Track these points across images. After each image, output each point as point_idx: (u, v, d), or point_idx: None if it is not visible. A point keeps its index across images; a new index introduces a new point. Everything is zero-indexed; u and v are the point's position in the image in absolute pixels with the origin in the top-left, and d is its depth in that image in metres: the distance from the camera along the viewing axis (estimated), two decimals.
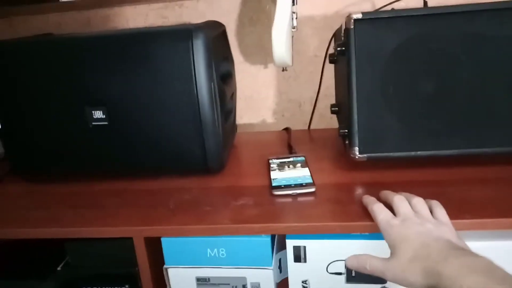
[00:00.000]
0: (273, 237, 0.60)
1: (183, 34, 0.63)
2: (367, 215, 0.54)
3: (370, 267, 0.48)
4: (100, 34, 0.68)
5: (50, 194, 0.69)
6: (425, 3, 0.73)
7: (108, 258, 0.63)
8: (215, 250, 0.59)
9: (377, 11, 0.75)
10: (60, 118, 0.67)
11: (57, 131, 0.68)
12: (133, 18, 0.97)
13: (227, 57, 0.81)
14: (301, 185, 0.62)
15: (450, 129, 0.63)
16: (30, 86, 0.66)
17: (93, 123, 0.66)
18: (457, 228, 0.49)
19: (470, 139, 0.62)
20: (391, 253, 0.47)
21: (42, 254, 0.69)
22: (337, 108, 0.80)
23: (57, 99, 0.66)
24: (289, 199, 0.61)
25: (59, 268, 0.64)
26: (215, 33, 0.70)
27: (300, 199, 0.61)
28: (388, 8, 0.76)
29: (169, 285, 0.62)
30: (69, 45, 0.66)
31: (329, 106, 0.81)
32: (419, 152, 0.64)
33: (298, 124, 1.00)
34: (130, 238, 0.58)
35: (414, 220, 0.48)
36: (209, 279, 0.60)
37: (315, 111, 0.96)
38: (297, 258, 0.58)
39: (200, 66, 0.63)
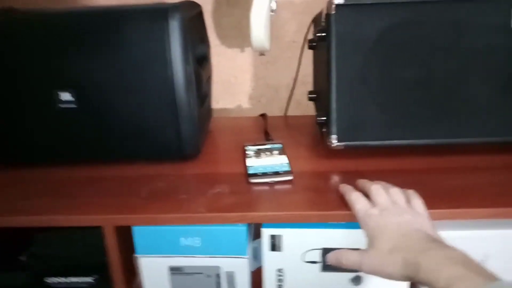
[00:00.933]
0: (249, 225, 0.59)
1: (158, 13, 0.60)
2: (344, 204, 0.54)
3: (346, 261, 0.48)
4: (68, 10, 0.64)
5: (16, 180, 0.65)
6: None
7: (77, 248, 0.61)
8: (190, 239, 0.57)
9: None
10: (26, 101, 0.63)
11: (22, 114, 0.64)
12: None
13: (203, 39, 0.78)
14: (278, 173, 0.61)
15: (429, 119, 0.63)
16: None
17: (60, 106, 0.62)
18: (434, 218, 0.50)
19: (449, 129, 0.63)
20: (369, 244, 0.47)
21: (7, 244, 0.66)
22: (314, 95, 0.79)
23: (22, 80, 0.62)
24: (266, 187, 0.60)
25: (22, 258, 0.61)
26: (191, 14, 0.67)
27: (277, 187, 0.60)
28: None
29: (141, 274, 0.60)
30: (33, 21, 0.61)
31: (306, 93, 0.80)
32: (397, 141, 0.64)
33: (275, 110, 0.98)
34: (100, 227, 0.56)
35: (393, 211, 0.48)
36: (182, 268, 0.59)
37: (292, 97, 0.95)
38: (273, 247, 0.58)
39: (176, 48, 0.60)
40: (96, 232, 0.56)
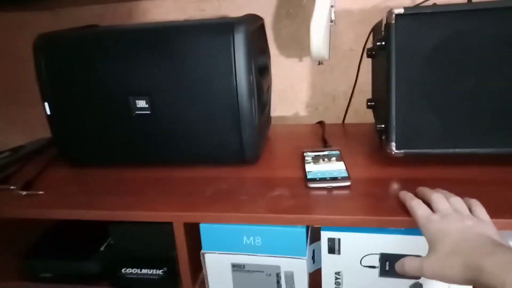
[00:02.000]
0: (307, 228, 0.62)
1: (224, 27, 0.64)
2: (403, 210, 0.54)
3: (409, 268, 0.48)
4: (144, 26, 0.70)
5: (94, 179, 0.73)
6: None
7: (148, 242, 0.66)
8: (251, 238, 0.61)
9: (418, 5, 0.74)
10: (105, 107, 0.70)
11: (102, 119, 0.71)
12: (172, 10, 0.99)
13: (265, 50, 0.82)
14: (336, 179, 0.63)
15: (489, 128, 0.62)
16: (76, 76, 0.70)
17: (136, 112, 0.69)
18: (498, 227, 0.49)
19: (509, 138, 0.61)
20: (429, 249, 0.47)
21: (86, 236, 0.73)
22: (373, 103, 0.79)
23: (102, 88, 0.69)
24: (324, 192, 0.62)
25: (102, 249, 0.67)
26: (254, 27, 0.71)
27: (335, 192, 0.62)
28: (430, 3, 0.75)
29: (206, 269, 0.64)
30: (114, 36, 0.69)
31: (363, 101, 0.81)
32: (456, 150, 0.63)
33: (331, 118, 1.00)
34: (170, 223, 0.61)
35: (454, 217, 0.48)
36: (244, 265, 0.62)
37: (350, 105, 0.96)
38: (331, 250, 0.59)
39: (240, 60, 0.64)
40: (166, 228, 0.61)
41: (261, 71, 0.75)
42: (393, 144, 0.65)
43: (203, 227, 0.62)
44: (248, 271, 0.63)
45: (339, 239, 0.59)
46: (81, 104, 0.71)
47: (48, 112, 0.72)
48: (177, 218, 0.60)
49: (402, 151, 0.65)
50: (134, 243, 0.67)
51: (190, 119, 0.68)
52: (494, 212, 0.51)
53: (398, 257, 0.57)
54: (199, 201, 0.62)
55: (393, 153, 0.65)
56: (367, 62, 0.89)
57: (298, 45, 0.96)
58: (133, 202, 0.63)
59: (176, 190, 0.66)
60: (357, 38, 0.93)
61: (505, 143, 0.62)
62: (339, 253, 0.59)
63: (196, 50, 0.65)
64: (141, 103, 0.68)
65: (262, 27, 0.80)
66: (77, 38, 0.69)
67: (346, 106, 0.96)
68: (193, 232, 0.63)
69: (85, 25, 0.80)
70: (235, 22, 0.64)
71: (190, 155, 0.71)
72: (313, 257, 0.64)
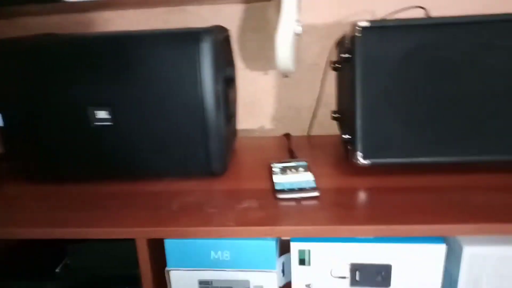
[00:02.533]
0: (277, 240, 0.60)
1: (190, 36, 0.63)
2: (371, 218, 0.54)
3: None
4: (105, 34, 0.68)
5: (52, 195, 0.68)
6: (427, 13, 0.75)
7: (109, 260, 0.62)
8: (219, 252, 0.58)
9: (382, 19, 0.76)
10: (63, 118, 0.66)
11: (59, 131, 0.67)
12: (136, 21, 0.97)
13: (230, 62, 0.81)
14: (304, 189, 0.63)
15: (452, 137, 0.64)
16: (31, 85, 0.66)
17: (95, 123, 0.65)
18: (460, 233, 0.50)
19: (472, 147, 0.64)
20: None
21: (43, 255, 0.68)
22: (338, 115, 0.80)
23: (60, 98, 0.66)
24: (293, 203, 0.61)
25: (57, 270, 0.63)
26: (221, 37, 0.70)
27: (304, 203, 0.61)
28: (392, 18, 0.77)
29: (171, 287, 0.61)
30: (72, 44, 0.66)
31: (327, 113, 0.82)
32: (421, 159, 0.65)
33: (296, 131, 1.00)
34: (132, 240, 0.57)
35: None
36: (211, 282, 0.60)
37: (314, 118, 0.97)
38: (302, 262, 0.58)
39: (207, 69, 0.63)
40: (128, 245, 0.58)
41: (227, 82, 0.74)
42: (360, 154, 0.65)
43: (168, 243, 0.59)
44: (216, 287, 0.60)
45: (309, 250, 0.58)
46: (36, 115, 0.67)
47: (1, 124, 0.67)
48: (140, 234, 0.57)
49: (369, 161, 0.66)
50: (93, 262, 0.63)
51: (155, 130, 0.66)
52: (456, 218, 0.53)
53: (367, 266, 0.57)
54: (164, 216, 0.59)
55: (359, 163, 0.66)
56: (331, 76, 0.91)
57: (264, 58, 0.96)
58: (93, 219, 0.59)
59: (139, 204, 0.63)
60: (322, 52, 0.95)
61: (466, 152, 0.64)
62: (309, 264, 0.58)
63: (161, 60, 0.63)
64: (102, 114, 0.65)
65: (228, 39, 0.80)
66: (32, 46, 0.66)
67: (310, 119, 0.97)
68: (157, 248, 0.60)
69: (42, 33, 0.76)
70: (201, 31, 0.64)
71: (155, 168, 0.68)
72: (283, 270, 0.63)
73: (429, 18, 0.68)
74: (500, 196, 0.59)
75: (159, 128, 0.66)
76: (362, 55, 0.63)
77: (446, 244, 0.56)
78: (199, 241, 0.58)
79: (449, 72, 0.62)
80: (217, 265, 0.59)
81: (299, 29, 0.78)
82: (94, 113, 0.65)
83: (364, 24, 0.62)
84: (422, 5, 0.78)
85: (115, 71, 0.64)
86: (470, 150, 0.64)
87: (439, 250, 0.56)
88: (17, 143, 0.69)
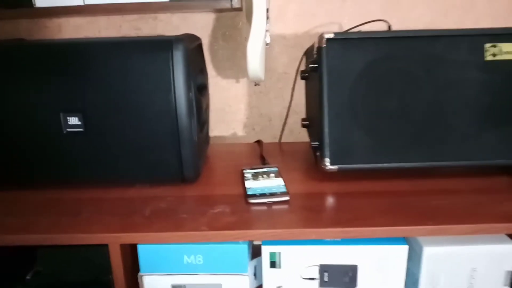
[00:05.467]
0: (249, 243, 0.62)
1: (163, 44, 0.64)
2: (339, 222, 0.57)
3: None
4: (78, 40, 0.68)
5: (22, 201, 0.67)
6: (389, 27, 0.79)
7: (81, 266, 0.62)
8: (192, 256, 0.59)
9: (347, 32, 0.80)
10: (34, 124, 0.66)
11: (30, 137, 0.66)
12: (106, 28, 0.97)
13: (203, 70, 0.83)
14: (275, 194, 0.65)
15: (412, 144, 0.68)
16: (3, 90, 0.65)
17: (68, 130, 0.65)
18: (421, 234, 0.54)
19: (430, 153, 0.68)
20: None
21: (10, 262, 0.67)
22: (308, 122, 0.83)
23: (29, 104, 0.65)
24: (264, 207, 0.63)
25: (28, 277, 0.62)
26: (193, 45, 0.72)
27: (275, 207, 0.63)
28: (356, 30, 0.81)
29: None
30: (43, 49, 0.65)
31: (298, 121, 0.85)
32: (385, 164, 0.68)
33: (268, 138, 1.03)
34: (104, 245, 0.57)
35: None
36: (185, 286, 0.61)
37: (284, 125, 1.00)
38: (273, 264, 0.60)
39: (179, 77, 0.65)
40: (100, 250, 0.58)
41: (199, 89, 0.76)
42: (327, 160, 0.68)
43: (141, 248, 0.59)
44: None
45: (279, 253, 0.60)
46: (8, 120, 0.66)
47: None
48: (113, 239, 0.57)
49: (336, 166, 0.69)
50: (64, 268, 0.62)
51: (127, 137, 0.66)
52: (417, 220, 0.56)
53: (335, 267, 0.60)
54: (137, 221, 0.60)
55: (327, 168, 0.68)
56: (300, 85, 0.94)
57: (235, 66, 0.99)
58: (65, 224, 0.59)
59: (112, 210, 0.63)
60: (291, 62, 0.98)
61: (425, 158, 0.68)
62: (280, 267, 0.60)
63: (134, 67, 0.64)
64: (74, 120, 0.65)
65: (200, 47, 0.82)
66: (3, 51, 0.65)
67: (282, 126, 1.00)
68: (130, 253, 0.60)
69: (10, 39, 0.76)
70: (174, 39, 0.65)
71: (127, 174, 0.69)
72: (254, 273, 0.64)
73: (388, 31, 0.73)
74: (456, 199, 0.64)
75: (131, 135, 0.66)
76: (327, 65, 0.66)
77: (408, 245, 0.60)
78: (172, 246, 0.59)
79: (407, 82, 0.66)
80: (190, 269, 0.60)
81: (268, 39, 0.81)
82: (66, 119, 0.65)
83: (329, 35, 0.65)
84: (385, 19, 0.83)
85: (87, 78, 0.64)
86: (428, 157, 0.68)
87: (402, 250, 0.59)
88: None
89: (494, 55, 0.66)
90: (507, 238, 0.61)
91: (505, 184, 0.69)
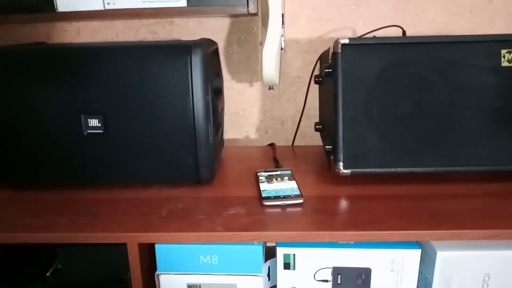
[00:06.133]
0: (263, 245, 0.63)
1: (182, 49, 0.66)
2: (352, 225, 0.58)
3: None
4: (100, 44, 0.70)
5: (42, 201, 0.69)
6: (404, 32, 0.80)
7: (99, 265, 0.63)
8: (208, 257, 0.61)
9: (361, 37, 0.81)
10: (55, 125, 0.68)
11: (50, 138, 0.68)
12: (123, 32, 0.99)
13: (219, 74, 0.84)
14: (289, 197, 0.66)
15: (426, 148, 0.68)
16: (22, 92, 0.67)
17: (88, 131, 0.67)
18: (435, 238, 0.54)
19: (444, 158, 0.68)
20: None
21: (32, 260, 0.69)
22: (321, 126, 0.84)
23: (51, 106, 0.67)
24: (278, 210, 0.64)
25: (48, 274, 0.64)
26: (210, 50, 0.73)
27: (289, 209, 0.64)
28: (370, 35, 0.82)
29: None
30: (66, 52, 0.67)
31: (310, 125, 0.86)
32: (398, 169, 0.69)
33: (280, 141, 1.04)
34: (122, 245, 0.59)
35: None
36: (200, 285, 0.62)
37: (297, 129, 1.01)
38: (287, 266, 0.61)
39: (197, 80, 0.66)
40: (119, 249, 0.59)
41: (216, 93, 0.77)
42: (341, 164, 0.69)
43: (159, 248, 0.61)
44: None
45: (294, 255, 0.61)
46: (27, 122, 0.68)
47: None
48: (132, 238, 0.59)
49: (349, 170, 0.69)
50: (84, 267, 0.64)
51: (145, 138, 0.68)
52: (431, 224, 0.57)
53: (349, 270, 0.60)
54: (155, 221, 0.61)
55: (340, 172, 0.69)
56: (314, 89, 0.95)
57: (249, 70, 1.00)
58: (84, 224, 0.61)
59: (130, 210, 0.65)
60: (304, 66, 0.99)
61: (439, 162, 0.68)
62: (294, 268, 0.61)
63: (153, 71, 0.66)
64: (94, 122, 0.67)
65: (216, 51, 0.83)
66: (24, 54, 0.67)
67: (294, 130, 1.01)
68: (147, 253, 0.62)
69: (32, 42, 0.78)
70: (192, 44, 0.66)
71: (145, 175, 0.70)
72: (268, 274, 0.65)
73: (402, 37, 0.74)
74: (470, 204, 0.64)
75: (149, 136, 0.68)
76: (342, 70, 0.67)
77: (421, 249, 0.60)
78: (188, 246, 0.60)
79: (422, 87, 0.67)
80: (206, 269, 0.61)
81: (283, 44, 0.82)
82: (87, 121, 0.67)
83: (344, 41, 0.66)
84: (398, 22, 0.83)
85: (108, 81, 0.66)
86: (443, 161, 0.68)
87: (415, 254, 0.60)
88: (7, 150, 0.70)
89: (510, 61, 0.66)
90: None
91: None
